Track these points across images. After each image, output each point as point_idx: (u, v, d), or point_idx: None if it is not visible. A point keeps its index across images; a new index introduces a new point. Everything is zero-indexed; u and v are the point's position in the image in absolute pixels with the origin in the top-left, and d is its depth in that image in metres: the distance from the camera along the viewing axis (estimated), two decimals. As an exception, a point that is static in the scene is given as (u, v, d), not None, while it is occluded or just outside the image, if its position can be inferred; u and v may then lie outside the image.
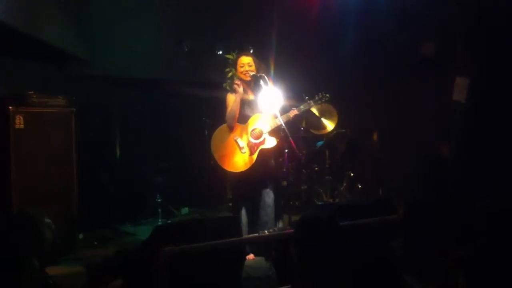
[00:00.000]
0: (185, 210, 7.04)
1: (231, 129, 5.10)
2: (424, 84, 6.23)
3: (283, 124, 4.88)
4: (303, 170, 6.80)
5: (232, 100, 5.13)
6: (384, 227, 3.80)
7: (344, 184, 6.83)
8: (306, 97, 5.34)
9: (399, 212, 4.20)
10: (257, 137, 5.04)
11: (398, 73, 6.54)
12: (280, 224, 5.47)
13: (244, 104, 5.15)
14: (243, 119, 5.11)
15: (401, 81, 6.51)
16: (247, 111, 5.14)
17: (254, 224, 5.16)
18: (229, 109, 5.11)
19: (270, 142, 5.07)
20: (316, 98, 5.31)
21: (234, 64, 5.36)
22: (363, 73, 6.99)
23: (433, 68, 6.17)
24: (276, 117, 4.95)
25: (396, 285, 2.78)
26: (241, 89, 5.10)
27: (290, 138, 4.91)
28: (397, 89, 6.54)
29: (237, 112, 5.07)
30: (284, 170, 5.70)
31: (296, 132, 6.29)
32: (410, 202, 3.71)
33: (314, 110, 6.27)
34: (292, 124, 5.25)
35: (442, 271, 3.08)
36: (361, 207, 4.56)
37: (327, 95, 5.32)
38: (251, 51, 5.51)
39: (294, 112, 5.11)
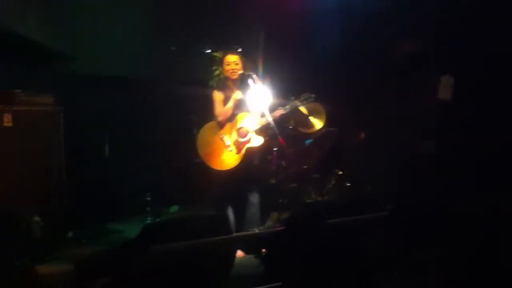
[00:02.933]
0: (174, 208, 7.03)
1: (220, 127, 5.11)
2: (411, 82, 6.27)
3: (271, 123, 4.89)
4: (292, 168, 6.80)
5: (218, 97, 5.16)
6: (371, 225, 3.83)
7: (333, 182, 6.84)
8: (293, 97, 5.36)
9: (386, 210, 4.23)
10: (244, 136, 5.06)
11: (386, 70, 6.58)
12: (268, 222, 5.49)
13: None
14: (230, 117, 5.13)
15: (389, 79, 6.55)
16: (234, 110, 5.15)
17: (241, 222, 5.17)
18: (221, 108, 5.12)
19: (257, 141, 5.08)
20: (302, 98, 5.35)
21: (220, 62, 5.37)
22: (351, 71, 7.01)
23: (418, 65, 6.22)
24: (263, 115, 4.97)
25: (381, 281, 2.81)
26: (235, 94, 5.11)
27: (279, 136, 4.93)
28: (386, 87, 6.57)
29: (231, 112, 5.08)
30: (273, 168, 5.71)
31: (284, 130, 6.30)
32: (397, 200, 3.76)
33: (302, 108, 6.29)
34: (280, 122, 5.27)
35: (424, 269, 3.12)
36: (348, 205, 4.59)
37: (312, 95, 5.36)
38: (239, 50, 5.52)
39: (280, 111, 5.15)
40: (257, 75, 5.07)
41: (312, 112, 6.40)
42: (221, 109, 5.12)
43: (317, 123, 6.39)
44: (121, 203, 6.58)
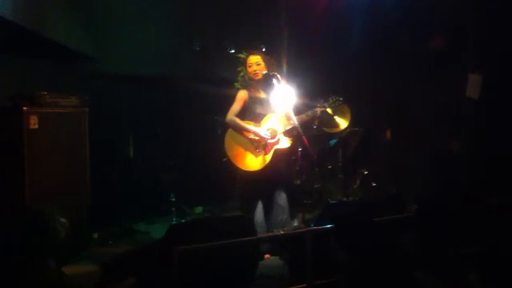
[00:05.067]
0: (198, 209, 7.04)
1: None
2: (436, 81, 6.21)
3: (297, 124, 4.84)
4: (316, 168, 6.76)
5: (242, 96, 5.13)
6: (397, 224, 3.78)
7: (358, 182, 6.80)
8: (322, 100, 5.32)
9: (411, 209, 4.18)
10: (272, 137, 5.02)
11: (411, 69, 6.52)
12: (295, 223, 5.46)
13: (256, 103, 5.14)
14: (256, 118, 5.09)
15: (414, 78, 6.49)
16: (259, 110, 5.12)
17: (267, 223, 5.15)
18: (236, 108, 5.10)
19: (285, 143, 5.05)
20: (330, 101, 5.28)
21: (244, 64, 5.35)
22: (376, 70, 6.96)
23: (444, 64, 6.15)
24: (289, 117, 4.91)
25: (409, 282, 2.77)
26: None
27: (304, 136, 4.88)
28: (410, 86, 6.52)
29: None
30: (297, 168, 5.66)
31: (309, 130, 6.26)
32: (423, 199, 3.70)
33: (327, 108, 6.26)
34: (307, 125, 5.22)
35: (454, 268, 3.06)
36: (374, 204, 4.54)
37: (340, 98, 5.29)
38: (263, 49, 5.49)
39: (309, 116, 5.09)
40: (281, 74, 5.01)
41: (337, 112, 6.36)
42: (234, 109, 5.11)
43: (342, 123, 6.35)
44: (146, 204, 6.61)
